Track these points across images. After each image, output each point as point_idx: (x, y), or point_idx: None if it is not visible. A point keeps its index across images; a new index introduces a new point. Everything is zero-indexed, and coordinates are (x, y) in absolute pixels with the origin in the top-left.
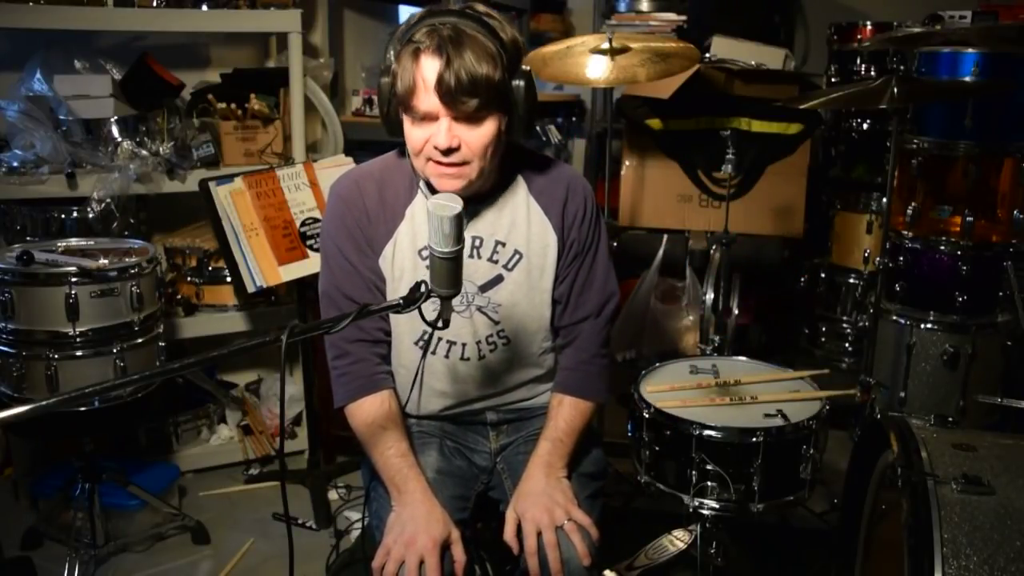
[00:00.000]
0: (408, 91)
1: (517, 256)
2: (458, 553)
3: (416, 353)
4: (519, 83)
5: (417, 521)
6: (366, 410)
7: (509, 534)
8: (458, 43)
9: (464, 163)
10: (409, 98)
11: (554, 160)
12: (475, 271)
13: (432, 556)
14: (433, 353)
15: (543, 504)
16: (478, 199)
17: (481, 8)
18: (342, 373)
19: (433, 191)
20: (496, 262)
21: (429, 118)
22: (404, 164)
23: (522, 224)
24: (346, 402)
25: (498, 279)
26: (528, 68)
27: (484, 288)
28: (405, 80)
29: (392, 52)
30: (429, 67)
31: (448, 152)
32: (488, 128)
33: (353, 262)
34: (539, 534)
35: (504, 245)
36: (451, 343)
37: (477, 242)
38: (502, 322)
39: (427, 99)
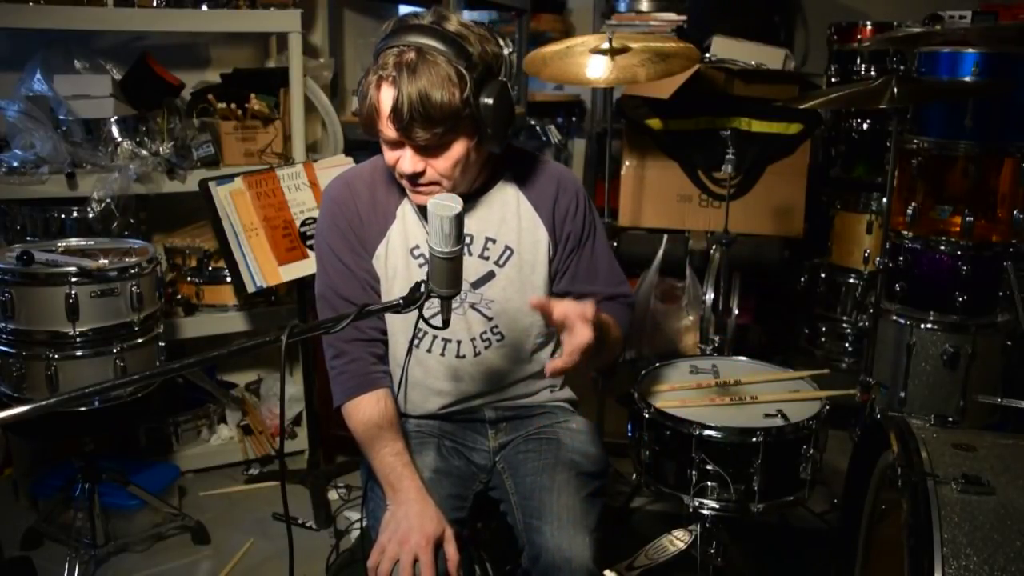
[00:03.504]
0: (371, 118)
1: (508, 252)
2: (451, 551)
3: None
4: (487, 100)
5: (411, 519)
6: (362, 409)
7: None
8: (414, 72)
9: (433, 183)
10: (373, 125)
11: (543, 158)
12: (466, 268)
13: (426, 554)
14: (428, 351)
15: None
16: (467, 197)
17: (452, 23)
18: (339, 372)
19: None
20: (487, 258)
21: (395, 144)
22: None
23: (512, 220)
24: (343, 401)
25: (490, 275)
26: (503, 79)
27: (476, 285)
28: (368, 107)
29: (369, 68)
30: (387, 96)
31: (412, 177)
32: (455, 151)
33: (347, 263)
34: None
35: (495, 242)
36: (446, 341)
37: (468, 239)
38: (495, 318)
39: (388, 127)
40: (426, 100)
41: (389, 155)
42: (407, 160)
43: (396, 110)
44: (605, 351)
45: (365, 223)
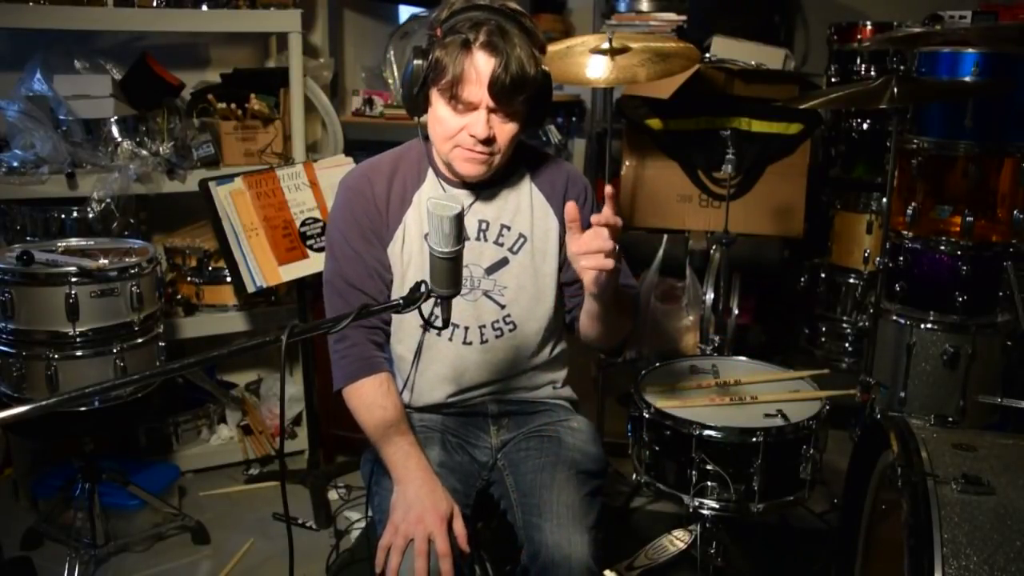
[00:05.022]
0: (457, 79)
1: (522, 239)
2: (459, 527)
3: (419, 334)
4: (546, 83)
5: (423, 499)
6: (365, 391)
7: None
8: (509, 42)
9: (490, 153)
10: (456, 87)
11: (553, 156)
12: (481, 254)
13: (441, 534)
14: (438, 335)
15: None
16: (484, 185)
17: (516, 8)
18: (341, 356)
19: (444, 179)
20: (502, 245)
21: (470, 108)
22: (414, 153)
23: (525, 209)
24: (344, 383)
25: (503, 262)
26: (547, 69)
27: (490, 270)
28: (455, 69)
29: (425, 35)
30: (483, 61)
31: (485, 142)
32: (517, 124)
33: (357, 249)
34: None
35: (509, 229)
36: (455, 326)
37: (483, 225)
38: (508, 306)
39: (476, 91)
40: (524, 69)
41: (455, 122)
42: (482, 124)
43: (497, 76)
44: (617, 316)
45: (382, 213)
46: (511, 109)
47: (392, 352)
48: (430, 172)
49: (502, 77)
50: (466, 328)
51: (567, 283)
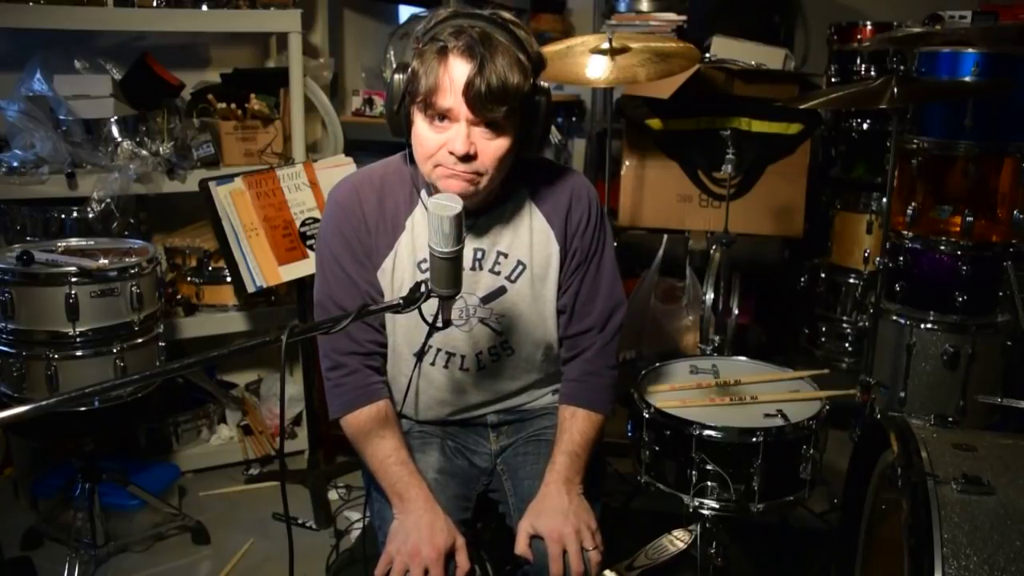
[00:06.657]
0: (431, 89)
1: (520, 267)
2: (462, 560)
3: (414, 363)
4: (540, 99)
5: (421, 531)
6: (362, 420)
7: (522, 547)
8: (490, 47)
9: (476, 173)
10: (431, 96)
11: (559, 166)
12: (477, 283)
13: (436, 567)
14: (432, 364)
15: (572, 524)
16: (480, 210)
17: (508, 16)
18: (336, 384)
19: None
20: (498, 273)
21: (449, 118)
22: (405, 171)
23: (524, 234)
24: (341, 414)
25: (500, 291)
26: (547, 84)
27: (486, 300)
28: (429, 78)
29: (410, 48)
30: (458, 68)
31: (465, 159)
32: (505, 140)
33: (349, 272)
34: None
35: (506, 256)
36: (450, 354)
37: (479, 254)
38: (505, 333)
39: (451, 99)
40: (503, 75)
41: (433, 138)
42: (461, 139)
43: (471, 81)
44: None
45: (372, 233)
46: (494, 122)
47: (389, 379)
48: (422, 195)
49: (477, 83)
50: (462, 356)
51: (560, 310)
